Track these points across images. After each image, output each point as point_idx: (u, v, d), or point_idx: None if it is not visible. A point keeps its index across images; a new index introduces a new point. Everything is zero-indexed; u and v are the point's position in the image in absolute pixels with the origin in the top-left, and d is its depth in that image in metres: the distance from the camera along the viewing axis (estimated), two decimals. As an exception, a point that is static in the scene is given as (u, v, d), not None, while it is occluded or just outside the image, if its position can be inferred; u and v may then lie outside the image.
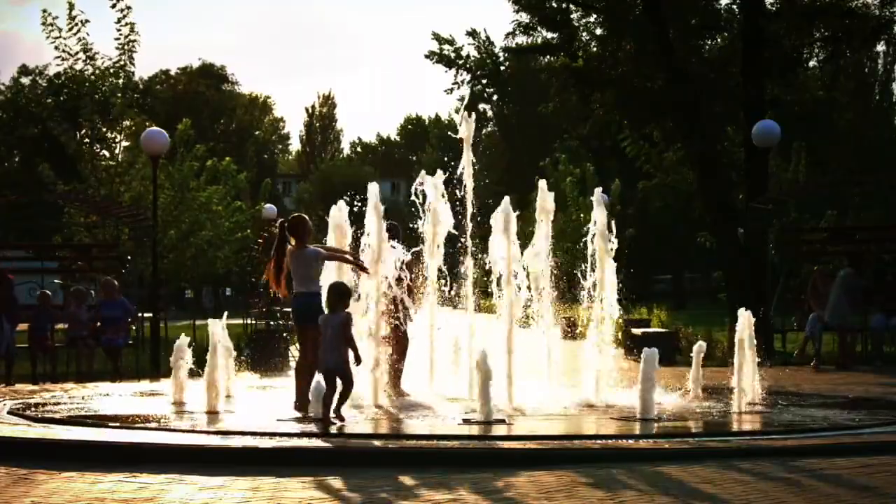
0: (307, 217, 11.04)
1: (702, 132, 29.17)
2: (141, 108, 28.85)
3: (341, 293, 10.04)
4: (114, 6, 26.12)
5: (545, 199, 11.88)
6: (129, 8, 26.14)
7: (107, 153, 28.38)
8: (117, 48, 26.66)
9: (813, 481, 6.88)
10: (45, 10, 25.84)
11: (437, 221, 11.80)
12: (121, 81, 27.05)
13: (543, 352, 12.13)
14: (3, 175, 57.38)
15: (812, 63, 35.83)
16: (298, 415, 10.14)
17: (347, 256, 11.22)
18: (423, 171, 12.00)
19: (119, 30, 26.32)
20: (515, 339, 11.29)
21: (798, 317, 19.44)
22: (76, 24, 26.00)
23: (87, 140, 27.75)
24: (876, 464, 7.48)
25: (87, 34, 26.30)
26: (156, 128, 23.35)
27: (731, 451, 8.02)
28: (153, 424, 9.71)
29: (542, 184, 12.08)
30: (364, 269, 11.12)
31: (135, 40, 26.41)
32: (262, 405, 10.74)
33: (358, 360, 9.89)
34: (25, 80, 60.56)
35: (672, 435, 8.90)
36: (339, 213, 11.74)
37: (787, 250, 20.80)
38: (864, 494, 6.49)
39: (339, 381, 9.69)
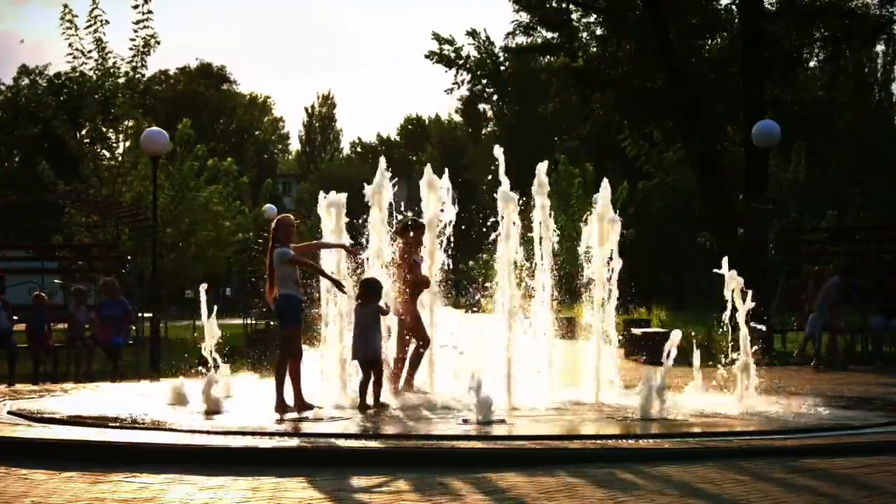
0: (289, 218, 11.00)
1: (702, 132, 29.18)
2: (142, 108, 28.84)
3: (372, 287, 10.65)
4: (136, 7, 26.17)
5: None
6: (150, 12, 26.21)
7: (107, 153, 28.40)
8: (131, 48, 26.70)
9: (813, 481, 6.88)
10: (65, 6, 25.89)
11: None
12: (121, 80, 27.06)
13: (543, 351, 12.10)
14: (3, 175, 57.37)
15: (812, 63, 35.85)
16: (297, 415, 10.15)
17: (316, 264, 11.19)
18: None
19: (136, 31, 26.38)
20: (515, 339, 11.27)
21: (798, 317, 19.45)
22: (95, 23, 26.02)
23: (87, 140, 27.76)
24: (876, 464, 7.48)
25: (104, 34, 26.37)
26: (156, 128, 23.35)
27: (731, 451, 8.02)
28: (153, 424, 9.71)
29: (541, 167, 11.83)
30: (350, 252, 11.33)
31: (151, 45, 26.47)
32: (262, 405, 10.74)
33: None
34: (26, 81, 60.53)
35: (672, 435, 8.89)
36: (334, 202, 11.69)
37: (787, 250, 20.79)
38: (864, 494, 6.48)
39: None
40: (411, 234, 11.67)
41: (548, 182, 11.95)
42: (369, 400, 10.51)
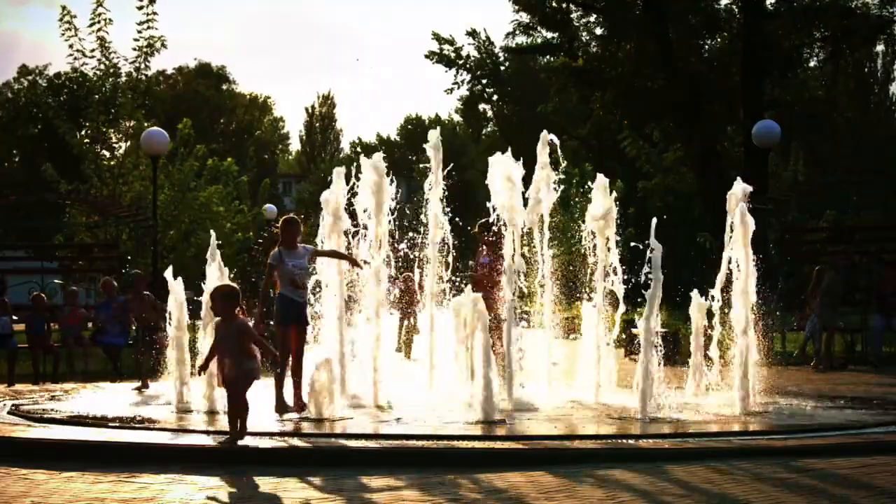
0: (290, 219, 11.01)
1: (702, 132, 29.16)
2: (143, 108, 28.83)
3: (228, 296, 8.50)
4: (140, 8, 26.17)
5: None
6: (155, 14, 26.22)
7: (107, 153, 28.41)
8: (135, 49, 26.70)
9: (813, 481, 6.88)
10: (64, 7, 25.92)
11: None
12: (122, 80, 27.06)
13: (543, 351, 12.11)
14: (3, 175, 57.38)
15: (812, 63, 35.85)
16: (297, 415, 10.15)
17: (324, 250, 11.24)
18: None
19: (140, 31, 26.40)
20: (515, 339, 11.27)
21: (798, 317, 19.44)
22: (98, 22, 26.02)
23: (87, 140, 27.75)
24: (876, 464, 7.48)
25: (107, 33, 26.37)
26: (156, 128, 23.37)
27: (731, 451, 8.02)
28: (153, 424, 9.71)
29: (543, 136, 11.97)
30: (356, 263, 11.31)
31: (156, 47, 26.49)
32: (262, 405, 10.74)
33: (275, 360, 8.84)
34: (26, 81, 60.48)
35: (672, 435, 8.90)
36: (333, 196, 11.66)
37: (787, 250, 20.78)
38: (864, 494, 6.49)
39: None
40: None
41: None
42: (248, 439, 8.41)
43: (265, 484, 6.97)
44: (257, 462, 7.75)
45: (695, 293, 11.27)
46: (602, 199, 11.77)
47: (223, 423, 9.82)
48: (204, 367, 8.87)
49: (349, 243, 11.60)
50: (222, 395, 10.84)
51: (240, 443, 8.18)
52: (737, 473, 7.13)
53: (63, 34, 26.07)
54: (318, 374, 9.77)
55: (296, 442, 8.68)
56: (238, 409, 8.24)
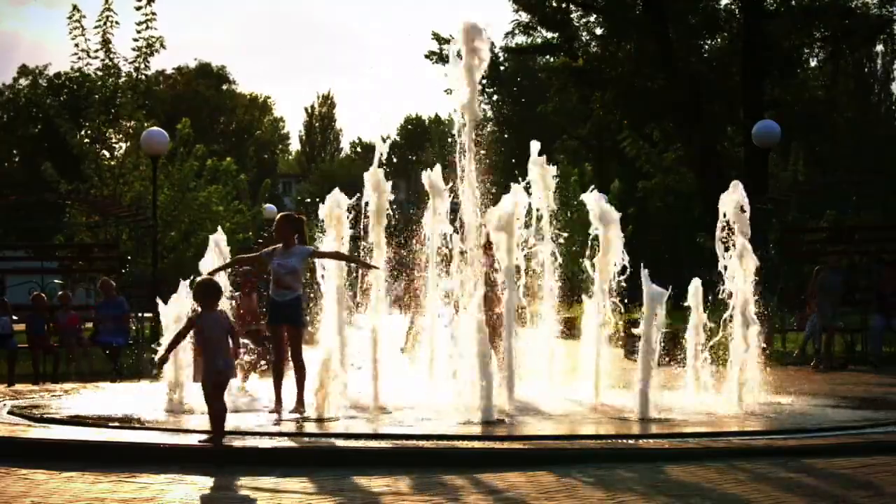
0: (284, 217, 10.95)
1: (702, 132, 29.14)
2: (143, 109, 28.82)
3: (213, 289, 8.61)
4: (139, 8, 26.17)
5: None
6: (153, 14, 26.23)
7: (106, 153, 28.40)
8: (134, 49, 26.71)
9: (813, 481, 6.88)
10: (74, 6, 25.94)
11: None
12: (122, 80, 27.06)
13: (543, 351, 12.10)
14: (3, 175, 57.38)
15: (812, 63, 35.86)
16: (297, 415, 10.15)
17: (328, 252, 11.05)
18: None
19: (139, 31, 26.41)
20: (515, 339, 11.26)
21: (798, 317, 19.44)
22: (105, 23, 26.02)
23: (87, 140, 27.75)
24: (876, 464, 7.48)
25: (113, 34, 26.39)
26: (156, 128, 23.36)
27: (731, 451, 8.02)
28: (153, 424, 9.70)
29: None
30: (368, 266, 11.13)
31: (155, 47, 26.49)
32: (261, 405, 10.73)
33: (237, 354, 8.56)
34: (25, 81, 60.49)
35: (672, 435, 8.90)
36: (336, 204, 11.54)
37: (787, 250, 20.77)
38: (864, 494, 6.49)
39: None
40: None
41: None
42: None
43: (265, 484, 6.97)
44: (257, 462, 7.75)
45: (694, 293, 11.25)
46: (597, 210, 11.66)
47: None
48: (164, 360, 9.05)
49: None
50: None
51: (224, 443, 8.14)
52: (737, 473, 7.13)
53: (70, 32, 26.11)
54: (318, 374, 9.77)
55: (296, 442, 8.68)
56: (216, 409, 8.21)
